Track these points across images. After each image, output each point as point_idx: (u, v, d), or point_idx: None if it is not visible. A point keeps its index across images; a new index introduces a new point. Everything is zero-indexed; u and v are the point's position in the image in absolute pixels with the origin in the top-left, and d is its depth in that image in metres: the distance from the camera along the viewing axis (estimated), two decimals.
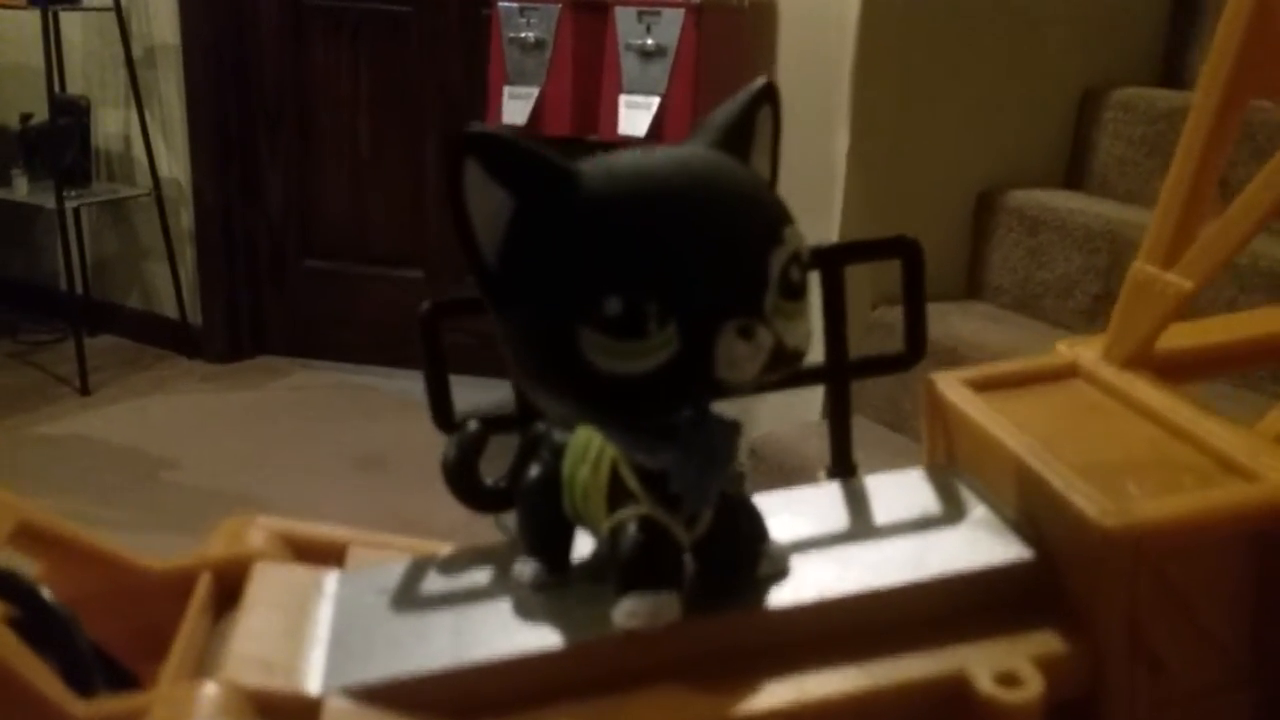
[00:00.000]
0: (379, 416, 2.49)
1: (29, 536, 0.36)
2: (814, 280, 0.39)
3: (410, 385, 2.62)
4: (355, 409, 2.56)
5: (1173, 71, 2.01)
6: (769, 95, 0.34)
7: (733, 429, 0.34)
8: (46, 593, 0.35)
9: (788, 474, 1.73)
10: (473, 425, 0.39)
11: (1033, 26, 1.87)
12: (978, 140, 1.89)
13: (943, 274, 1.90)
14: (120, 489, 2.17)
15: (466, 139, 0.30)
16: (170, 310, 2.84)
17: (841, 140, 1.78)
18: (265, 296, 2.84)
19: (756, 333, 0.30)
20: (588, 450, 0.35)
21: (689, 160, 0.32)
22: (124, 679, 0.36)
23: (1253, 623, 0.33)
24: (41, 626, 0.34)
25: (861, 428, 1.98)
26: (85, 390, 2.60)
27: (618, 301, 0.29)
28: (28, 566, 0.37)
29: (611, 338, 0.29)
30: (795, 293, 0.31)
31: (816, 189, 1.79)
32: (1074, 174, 1.96)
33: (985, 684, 0.32)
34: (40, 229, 3.00)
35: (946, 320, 1.77)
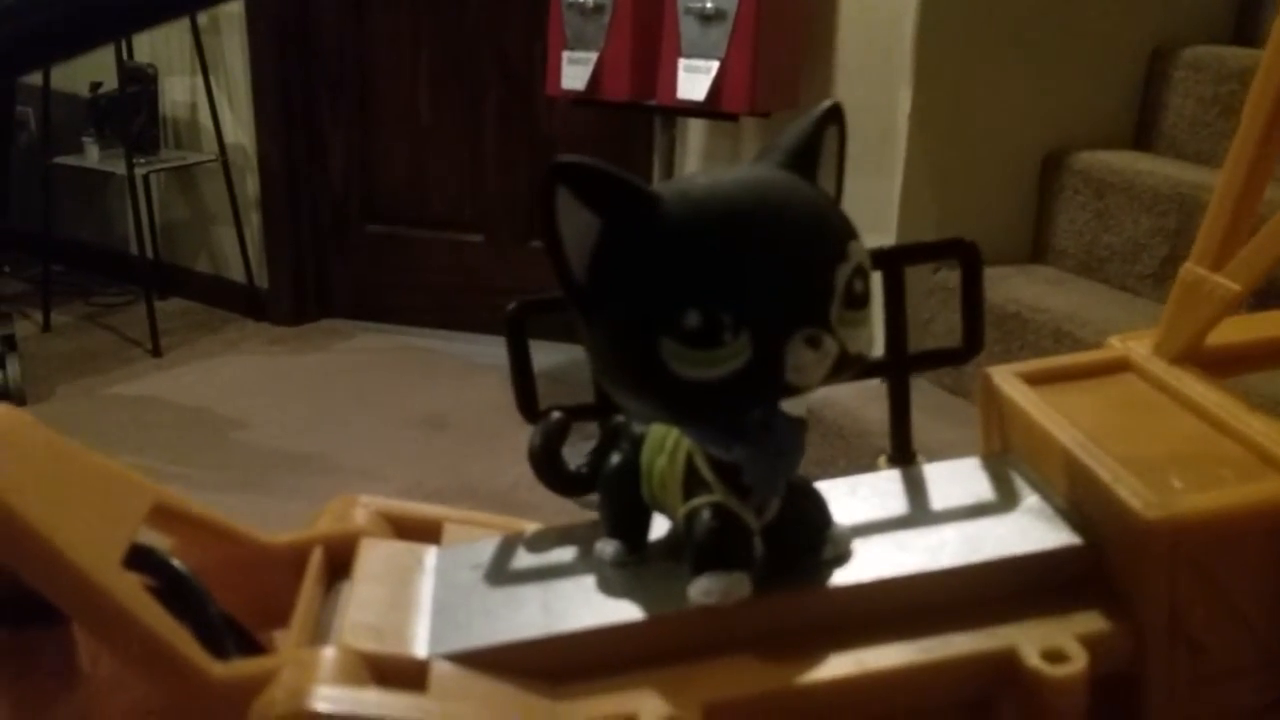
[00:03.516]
0: (440, 379, 2.55)
1: (162, 515, 0.40)
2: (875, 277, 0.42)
3: (471, 348, 2.67)
4: (417, 371, 2.62)
5: (1244, 29, 1.97)
6: (835, 116, 0.36)
7: (799, 425, 0.37)
8: (180, 565, 0.39)
9: (846, 438, 1.75)
10: (556, 415, 0.43)
11: None
12: (1043, 100, 1.86)
13: (1006, 237, 1.89)
14: (191, 448, 2.25)
15: (558, 167, 0.33)
16: (237, 274, 2.92)
17: (904, 101, 1.76)
18: (329, 261, 2.90)
19: (823, 341, 0.33)
20: (665, 442, 0.38)
21: (759, 182, 0.35)
22: (249, 642, 0.40)
23: None
24: (178, 596, 0.38)
25: (922, 391, 1.97)
26: (157, 352, 2.69)
27: (696, 315, 0.32)
28: (161, 542, 0.41)
29: (690, 347, 0.32)
30: (858, 303, 0.34)
31: (879, 150, 1.78)
32: (1142, 135, 1.93)
33: (1033, 659, 0.35)
34: (111, 195, 3.08)
35: (1009, 284, 1.75)
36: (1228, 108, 1.75)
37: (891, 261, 0.43)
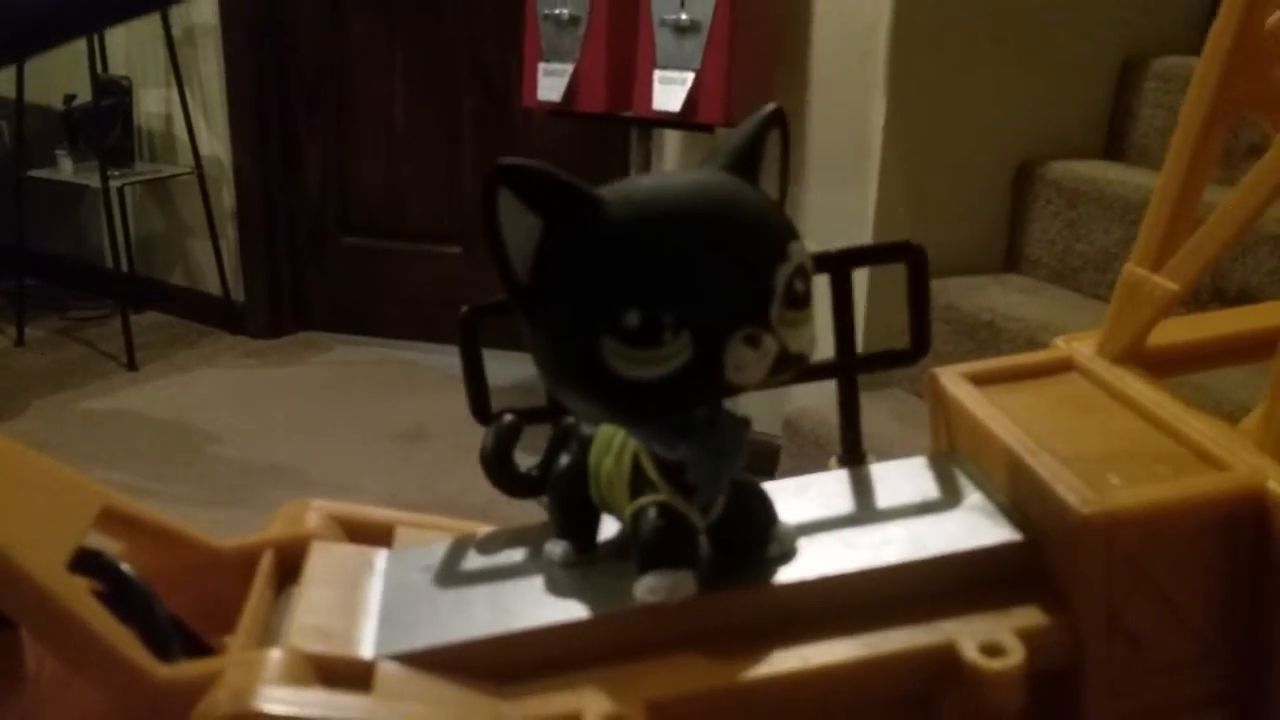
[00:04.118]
0: (418, 391, 2.55)
1: (111, 519, 0.40)
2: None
3: (448, 360, 2.66)
4: (394, 384, 2.61)
5: None
6: (776, 120, 0.37)
7: (742, 424, 0.37)
8: (128, 569, 0.39)
9: (822, 446, 1.76)
10: (508, 418, 0.43)
11: None
12: (1016, 110, 1.88)
13: (980, 246, 1.90)
14: (166, 463, 2.23)
15: (500, 170, 0.33)
16: (213, 287, 2.91)
17: (878, 110, 1.78)
18: (306, 273, 2.89)
19: (762, 340, 0.34)
20: (611, 443, 0.39)
21: (701, 184, 0.35)
22: (198, 646, 0.40)
23: (1222, 602, 0.36)
24: (125, 600, 0.38)
25: (898, 399, 1.96)
26: (132, 365, 2.68)
27: (636, 314, 0.33)
28: (110, 546, 0.41)
29: (631, 346, 0.33)
30: (799, 303, 0.35)
31: (853, 160, 1.80)
32: (1114, 144, 1.95)
33: (971, 653, 0.35)
34: (85, 208, 3.07)
35: (984, 293, 1.77)
36: None
37: (838, 264, 0.44)
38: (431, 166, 2.75)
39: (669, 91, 1.82)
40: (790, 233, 0.35)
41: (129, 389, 2.59)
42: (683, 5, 1.78)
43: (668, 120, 1.84)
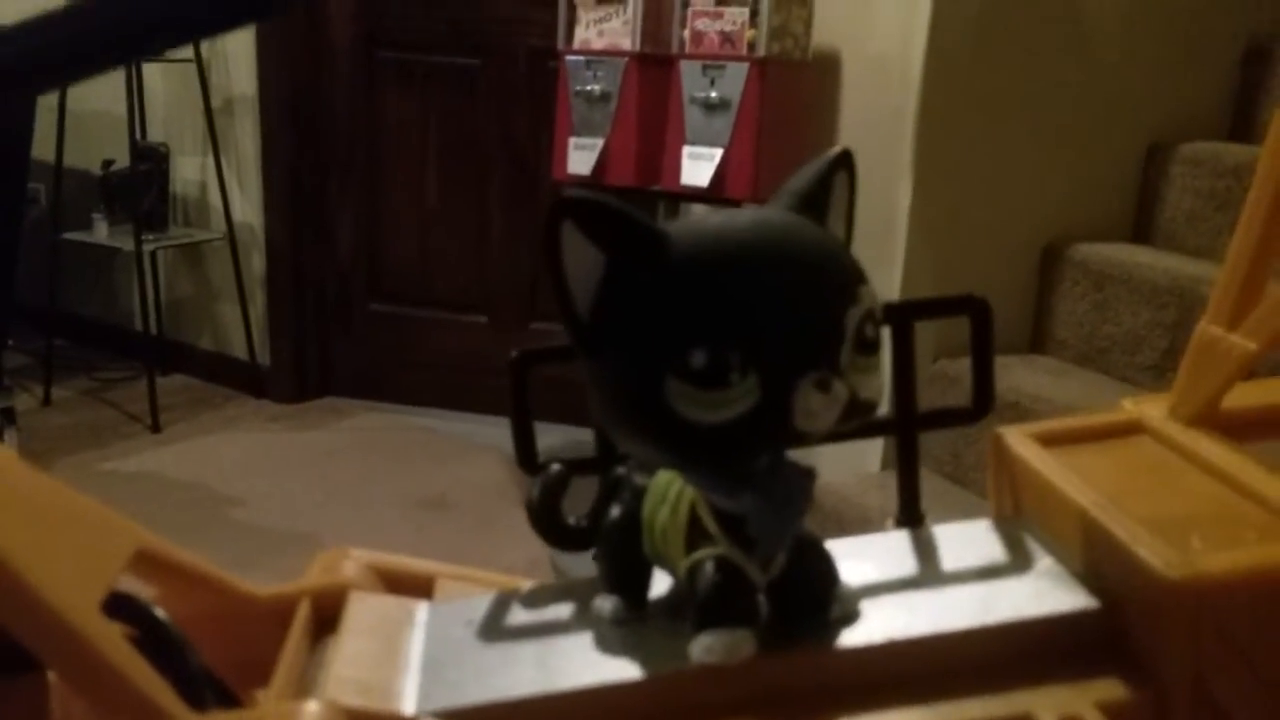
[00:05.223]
0: (441, 458, 2.53)
1: (145, 561, 0.39)
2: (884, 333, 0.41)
3: (471, 428, 2.65)
4: (418, 451, 2.60)
5: (1242, 125, 2.00)
6: (845, 162, 0.36)
7: (807, 476, 0.36)
8: (162, 614, 0.37)
9: (845, 525, 1.73)
10: (555, 468, 0.41)
11: (1098, 79, 1.86)
12: (1043, 193, 1.88)
13: (1006, 327, 1.89)
14: (188, 525, 2.21)
15: (564, 202, 0.32)
16: (240, 351, 2.92)
17: (904, 192, 1.78)
18: (332, 339, 2.91)
19: (832, 385, 0.32)
20: (667, 493, 0.37)
21: (769, 223, 0.34)
22: (229, 698, 0.38)
23: None
24: (157, 646, 0.36)
25: (921, 479, 1.95)
26: (156, 428, 2.68)
27: (703, 354, 0.31)
28: (143, 589, 0.39)
29: (696, 387, 0.32)
30: (870, 348, 0.33)
31: (879, 241, 1.79)
32: (1141, 228, 1.95)
33: None
34: (118, 271, 3.10)
35: (1010, 374, 1.75)
36: (1225, 202, 1.77)
37: (901, 316, 0.43)
38: (460, 237, 2.77)
39: (697, 167, 1.83)
40: (859, 275, 0.34)
41: (152, 450, 2.59)
42: (712, 84, 1.81)
43: (695, 195, 1.85)
